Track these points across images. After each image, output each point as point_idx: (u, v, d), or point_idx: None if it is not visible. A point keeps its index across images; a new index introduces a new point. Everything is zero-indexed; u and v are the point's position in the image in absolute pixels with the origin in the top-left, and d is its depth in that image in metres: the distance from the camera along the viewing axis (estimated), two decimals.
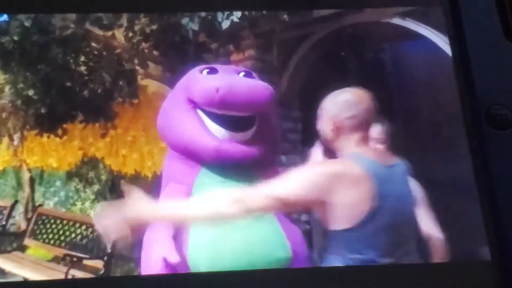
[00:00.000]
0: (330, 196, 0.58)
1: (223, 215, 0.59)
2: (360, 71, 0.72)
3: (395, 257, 0.59)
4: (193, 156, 0.67)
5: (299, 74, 0.76)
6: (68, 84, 0.75)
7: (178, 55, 0.76)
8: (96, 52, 0.76)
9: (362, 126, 0.62)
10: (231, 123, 0.67)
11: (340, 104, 0.63)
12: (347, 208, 0.58)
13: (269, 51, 0.77)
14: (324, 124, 0.63)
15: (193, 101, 0.68)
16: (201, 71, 0.70)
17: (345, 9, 0.71)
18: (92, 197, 0.73)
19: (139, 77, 0.76)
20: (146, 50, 0.76)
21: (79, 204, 0.73)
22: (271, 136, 0.69)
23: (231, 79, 0.68)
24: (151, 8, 0.71)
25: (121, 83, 0.76)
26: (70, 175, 0.73)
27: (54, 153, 0.74)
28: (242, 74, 0.70)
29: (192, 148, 0.67)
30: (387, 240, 0.58)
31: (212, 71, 0.70)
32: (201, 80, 0.69)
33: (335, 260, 0.59)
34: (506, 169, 0.57)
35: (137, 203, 0.60)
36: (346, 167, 0.60)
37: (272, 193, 0.58)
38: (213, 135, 0.67)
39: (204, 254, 0.63)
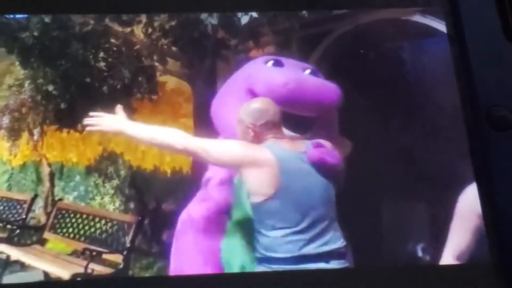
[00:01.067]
0: (243, 169, 0.64)
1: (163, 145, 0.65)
2: (372, 69, 0.71)
3: (312, 233, 0.63)
4: None
5: (319, 72, 0.76)
6: (88, 79, 0.76)
7: (196, 51, 0.76)
8: (115, 48, 0.77)
9: (275, 126, 0.66)
10: (293, 123, 0.66)
11: (254, 114, 0.66)
12: (258, 184, 0.63)
13: (289, 48, 0.77)
14: (244, 133, 0.67)
15: (254, 92, 0.68)
16: (266, 62, 0.69)
17: (345, 10, 0.71)
18: (112, 192, 0.73)
19: (158, 73, 0.76)
20: (165, 46, 0.76)
21: (98, 198, 0.73)
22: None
23: (299, 75, 0.67)
24: (169, 8, 0.71)
25: (140, 79, 0.76)
26: (89, 170, 0.74)
27: (73, 148, 0.75)
28: (308, 71, 0.69)
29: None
30: (297, 216, 0.63)
31: (278, 63, 0.69)
32: (267, 72, 0.68)
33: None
34: (506, 170, 0.57)
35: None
36: (259, 151, 0.65)
37: (204, 145, 0.64)
38: None
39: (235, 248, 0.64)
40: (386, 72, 0.70)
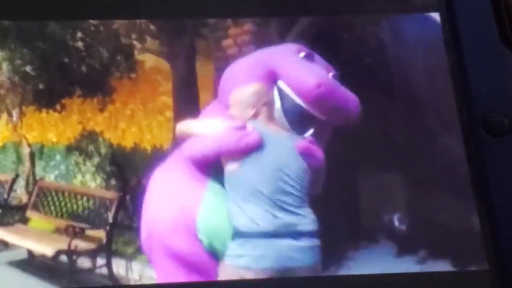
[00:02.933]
0: None
1: None
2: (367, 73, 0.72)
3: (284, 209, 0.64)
4: None
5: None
6: (66, 60, 0.75)
7: (175, 29, 0.76)
8: (93, 28, 0.77)
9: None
10: (305, 123, 0.67)
11: (254, 96, 0.68)
12: None
13: (267, 25, 0.77)
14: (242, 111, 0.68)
15: (275, 75, 0.68)
16: (298, 52, 0.69)
17: (342, 15, 0.72)
18: (93, 169, 0.73)
19: (136, 51, 0.76)
20: (143, 25, 0.76)
21: (79, 176, 0.74)
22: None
23: (329, 78, 0.67)
24: (160, 15, 0.73)
25: (118, 58, 0.76)
26: (70, 149, 0.74)
27: (53, 128, 0.75)
28: (331, 74, 0.68)
29: None
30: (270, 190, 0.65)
31: (309, 57, 0.69)
32: (299, 65, 0.68)
33: None
34: (503, 176, 0.58)
35: None
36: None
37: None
38: None
39: (213, 214, 0.67)
40: (380, 77, 0.71)
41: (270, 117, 0.69)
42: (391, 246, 0.65)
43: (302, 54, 0.69)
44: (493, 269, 0.57)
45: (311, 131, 0.68)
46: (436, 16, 0.69)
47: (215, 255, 0.66)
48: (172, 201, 0.69)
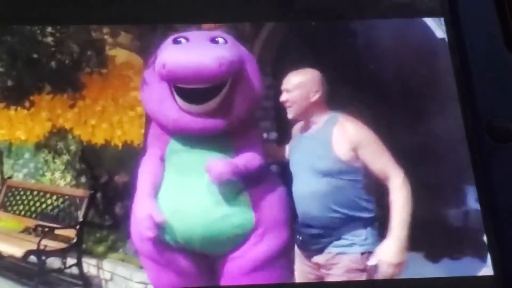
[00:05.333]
0: None
1: None
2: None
3: None
4: (161, 126, 0.68)
5: (272, 42, 0.75)
6: (35, 55, 0.74)
7: (148, 23, 0.75)
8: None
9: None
10: (192, 95, 0.66)
11: (309, 83, 0.70)
12: None
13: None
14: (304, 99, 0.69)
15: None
16: (173, 40, 0.69)
17: (345, 20, 0.72)
18: (62, 167, 0.72)
19: (107, 46, 0.75)
20: None
21: (48, 174, 0.72)
22: (240, 106, 0.68)
23: (186, 51, 0.67)
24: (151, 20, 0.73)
25: (89, 53, 0.75)
26: (38, 147, 0.72)
27: (21, 125, 0.73)
28: (220, 40, 0.69)
29: (158, 119, 0.68)
30: None
31: (179, 40, 0.69)
32: (160, 53, 0.68)
33: None
34: (507, 181, 0.58)
35: None
36: None
37: None
38: (176, 107, 0.67)
39: (169, 204, 0.66)
40: (384, 82, 0.70)
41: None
42: None
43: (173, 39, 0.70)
44: (497, 274, 0.57)
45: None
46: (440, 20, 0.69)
47: (181, 249, 0.66)
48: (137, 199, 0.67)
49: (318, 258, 0.67)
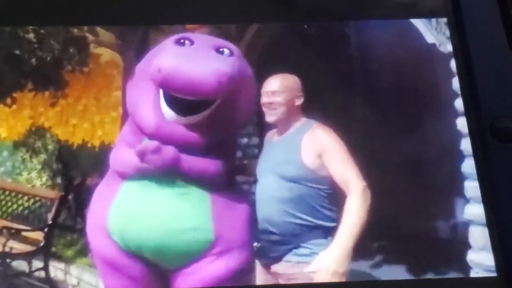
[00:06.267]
0: None
1: None
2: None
3: None
4: (138, 126, 0.66)
5: (256, 44, 0.73)
6: (17, 51, 0.72)
7: (131, 24, 0.73)
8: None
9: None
10: (179, 105, 0.64)
11: (295, 87, 0.69)
12: None
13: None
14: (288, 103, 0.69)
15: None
16: (175, 41, 0.67)
17: (347, 21, 0.71)
18: (39, 167, 0.70)
19: (92, 45, 0.73)
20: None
21: (25, 174, 0.71)
22: (225, 125, 0.66)
23: (186, 59, 0.65)
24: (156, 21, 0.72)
25: (71, 50, 0.73)
26: (17, 145, 0.71)
27: (4, 122, 0.72)
28: (226, 51, 0.67)
29: (136, 119, 0.66)
30: None
31: (183, 42, 0.67)
32: (157, 53, 0.67)
33: None
34: (511, 181, 0.57)
35: None
36: None
37: None
38: (159, 112, 0.65)
39: (123, 215, 0.64)
40: (386, 83, 0.69)
41: None
42: None
43: (178, 40, 0.68)
44: (500, 275, 0.56)
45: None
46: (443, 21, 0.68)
47: (135, 255, 0.64)
48: (92, 205, 0.66)
49: (277, 267, 0.65)
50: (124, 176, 0.65)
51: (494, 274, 0.57)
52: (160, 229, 0.63)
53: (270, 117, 0.69)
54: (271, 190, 0.66)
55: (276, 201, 0.65)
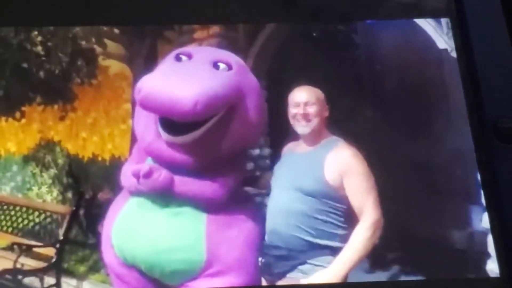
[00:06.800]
0: None
1: None
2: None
3: None
4: (139, 143, 0.66)
5: (266, 53, 0.72)
6: (24, 65, 0.72)
7: (138, 33, 0.72)
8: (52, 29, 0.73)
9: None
10: (169, 125, 0.63)
11: (322, 99, 0.68)
12: None
13: (235, 28, 0.73)
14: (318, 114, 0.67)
15: None
16: (175, 56, 0.66)
17: (352, 21, 0.70)
18: (49, 181, 0.70)
19: (101, 57, 0.73)
20: (105, 28, 0.73)
21: (35, 189, 0.70)
22: (224, 144, 0.65)
23: (169, 79, 0.63)
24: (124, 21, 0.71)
25: (79, 63, 0.72)
26: (26, 160, 0.70)
27: (13, 137, 0.71)
28: (222, 66, 0.65)
29: (138, 137, 0.67)
30: None
31: (180, 57, 0.66)
32: (158, 68, 0.66)
33: None
34: None
35: None
36: None
37: None
38: (155, 131, 0.64)
39: (123, 229, 0.64)
40: (389, 83, 0.69)
41: None
42: None
43: (177, 56, 0.67)
44: (503, 275, 0.56)
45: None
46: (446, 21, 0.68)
47: (134, 268, 0.64)
48: (107, 214, 0.66)
49: (282, 284, 0.64)
50: (130, 192, 0.65)
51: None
52: (152, 247, 0.62)
53: (303, 129, 0.68)
54: (284, 202, 0.65)
55: (288, 214, 0.64)
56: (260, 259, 0.64)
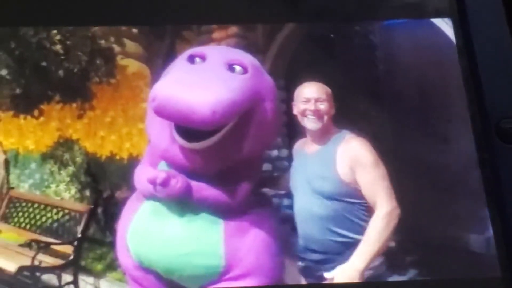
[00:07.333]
0: None
1: None
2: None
3: None
4: (153, 147, 0.65)
5: (284, 54, 0.72)
6: (44, 63, 0.72)
7: (156, 33, 0.73)
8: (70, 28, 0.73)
9: None
10: (184, 131, 0.62)
11: (330, 96, 0.67)
12: None
13: (254, 28, 0.73)
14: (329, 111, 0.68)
15: None
16: (188, 58, 0.65)
17: (354, 22, 0.70)
18: (67, 179, 0.70)
19: (119, 56, 0.73)
20: (124, 28, 0.73)
21: (53, 186, 0.71)
22: (241, 149, 0.63)
23: (185, 84, 0.61)
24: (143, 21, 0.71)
25: (98, 62, 0.73)
26: (45, 157, 0.71)
27: (31, 134, 0.72)
28: (238, 68, 0.64)
29: (151, 140, 0.66)
30: None
31: (193, 60, 0.65)
32: (168, 72, 0.65)
33: None
34: None
35: None
36: None
37: None
38: (170, 135, 0.63)
39: (138, 233, 0.64)
40: (392, 84, 0.69)
41: None
42: None
43: (190, 58, 0.66)
44: (504, 276, 0.56)
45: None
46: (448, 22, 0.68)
47: (150, 270, 0.64)
48: (122, 215, 0.66)
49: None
50: (144, 196, 0.64)
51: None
52: (170, 251, 0.62)
53: (313, 125, 0.68)
54: (310, 207, 0.65)
55: (317, 219, 0.65)
56: (299, 263, 0.65)
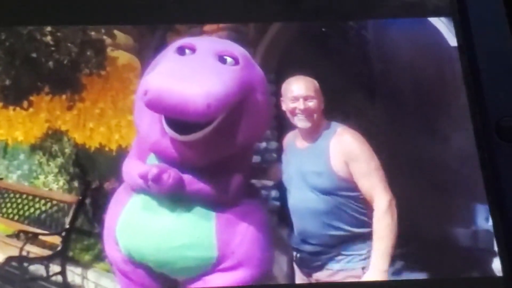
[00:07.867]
0: None
1: None
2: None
3: None
4: (142, 139, 0.65)
5: (276, 47, 0.72)
6: (34, 55, 0.72)
7: (147, 25, 0.73)
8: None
9: None
10: (175, 123, 0.61)
11: (319, 91, 0.67)
12: None
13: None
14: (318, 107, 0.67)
15: None
16: (177, 49, 0.64)
17: (354, 20, 0.70)
18: (56, 170, 0.70)
19: (109, 48, 0.73)
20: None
21: (42, 177, 0.70)
22: (232, 141, 0.63)
23: (176, 76, 0.60)
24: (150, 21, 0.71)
25: (88, 53, 0.73)
26: (33, 148, 0.71)
27: (20, 125, 0.72)
28: (229, 60, 0.63)
29: (140, 132, 0.65)
30: None
31: (183, 51, 0.64)
32: (157, 64, 0.64)
33: None
34: None
35: None
36: None
37: None
38: (160, 128, 0.62)
39: (128, 227, 0.63)
40: (393, 82, 0.69)
41: None
42: None
43: (179, 49, 0.65)
44: (506, 275, 0.56)
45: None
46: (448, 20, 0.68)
47: (140, 264, 0.63)
48: (109, 208, 0.66)
49: (319, 275, 0.64)
50: (133, 189, 0.64)
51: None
52: (162, 244, 0.62)
53: (304, 123, 0.67)
54: (305, 202, 0.65)
55: (313, 214, 0.65)
56: (295, 254, 0.65)
